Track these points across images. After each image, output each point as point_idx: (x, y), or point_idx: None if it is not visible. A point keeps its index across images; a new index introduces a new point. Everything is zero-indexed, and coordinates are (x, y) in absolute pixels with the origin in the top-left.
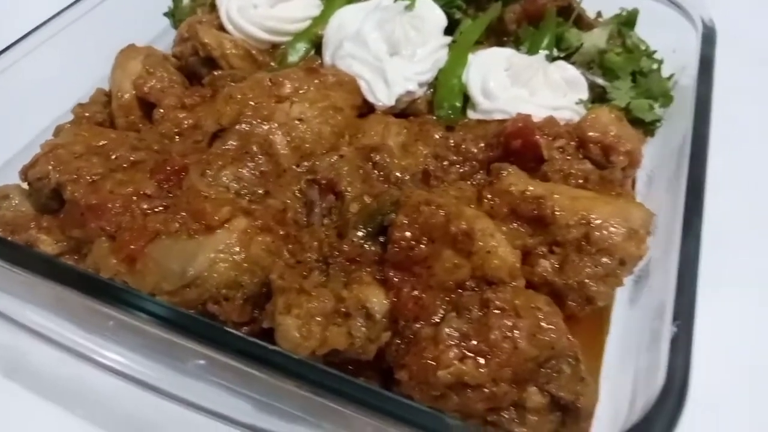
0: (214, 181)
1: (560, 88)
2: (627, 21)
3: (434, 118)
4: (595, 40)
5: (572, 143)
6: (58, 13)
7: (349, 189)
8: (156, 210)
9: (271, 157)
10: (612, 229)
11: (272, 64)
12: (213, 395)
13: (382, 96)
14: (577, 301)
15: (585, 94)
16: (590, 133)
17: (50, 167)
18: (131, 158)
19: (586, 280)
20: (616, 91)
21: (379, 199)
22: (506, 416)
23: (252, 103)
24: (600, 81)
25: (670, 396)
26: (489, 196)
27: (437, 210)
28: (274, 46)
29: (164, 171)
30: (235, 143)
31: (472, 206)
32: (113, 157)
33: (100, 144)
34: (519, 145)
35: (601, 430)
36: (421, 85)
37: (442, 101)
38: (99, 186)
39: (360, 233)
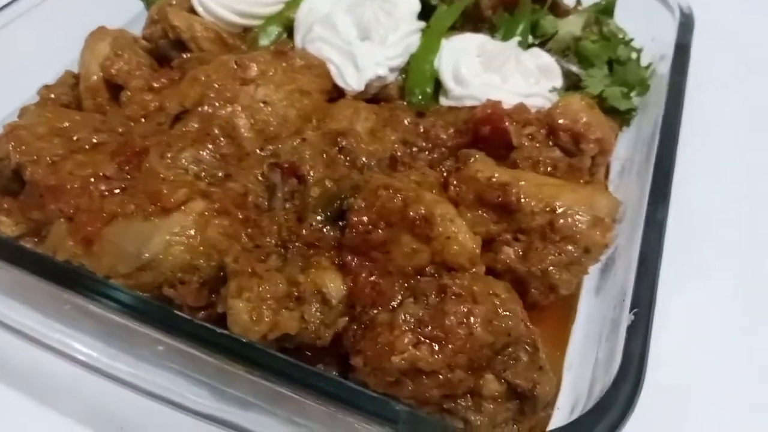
0: (173, 163)
1: (533, 75)
2: (605, 9)
3: (405, 104)
4: (570, 27)
5: (542, 130)
6: None
7: (311, 173)
8: (115, 192)
9: (233, 140)
10: (577, 216)
11: (243, 47)
12: (170, 382)
13: (352, 80)
14: (540, 289)
15: (559, 82)
16: (560, 121)
17: (11, 148)
18: (93, 140)
19: (550, 268)
20: (590, 79)
21: (339, 183)
22: (462, 404)
23: (216, 85)
24: (575, 69)
25: (624, 384)
26: (455, 182)
27: (395, 194)
28: (246, 29)
29: (125, 153)
30: (196, 125)
31: (435, 191)
32: (75, 138)
33: (64, 126)
34: (488, 131)
35: (561, 420)
36: (392, 70)
37: (414, 87)
38: (58, 167)
39: (319, 217)
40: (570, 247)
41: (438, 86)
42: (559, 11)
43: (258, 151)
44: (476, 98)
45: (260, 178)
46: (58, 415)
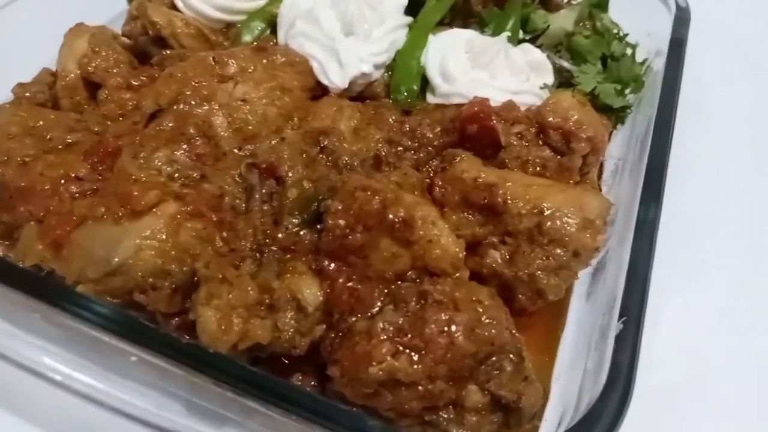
0: (145, 163)
1: (523, 71)
2: (598, 3)
3: (391, 101)
4: (562, 21)
5: (532, 129)
6: None
7: (290, 173)
8: (86, 193)
9: (209, 140)
10: (566, 219)
11: (225, 43)
12: (141, 396)
13: (336, 77)
14: (527, 295)
15: (550, 79)
16: (550, 119)
17: None
18: (67, 140)
19: (537, 273)
20: (583, 76)
21: (317, 185)
22: (444, 416)
23: (193, 82)
24: (567, 65)
25: (611, 397)
26: (440, 183)
27: (373, 196)
28: (229, 25)
29: (98, 153)
30: (171, 124)
31: (417, 193)
32: (48, 138)
33: (37, 125)
34: (475, 130)
35: None
36: (377, 66)
37: (399, 84)
38: (29, 168)
39: (295, 220)
40: (558, 251)
41: (425, 83)
42: (551, 5)
43: (236, 150)
44: (464, 95)
45: (237, 179)
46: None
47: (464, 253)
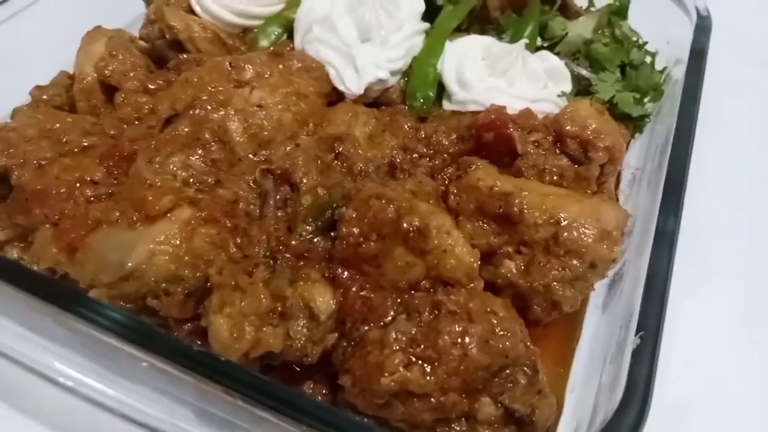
0: (160, 168)
1: (540, 78)
2: (618, 10)
3: (407, 108)
4: (580, 29)
5: (549, 137)
6: None
7: (304, 180)
8: (101, 197)
9: (225, 145)
10: (582, 229)
11: (242, 48)
12: (152, 402)
13: (351, 84)
14: (542, 306)
15: (568, 86)
16: (568, 127)
17: None
18: (83, 143)
19: (553, 284)
20: (601, 84)
21: (331, 192)
22: (456, 428)
23: (209, 87)
24: (585, 72)
25: (627, 414)
26: (455, 191)
27: (387, 204)
28: (246, 30)
29: (113, 157)
30: (186, 129)
31: (431, 201)
32: (64, 141)
33: (54, 128)
34: (491, 138)
35: None
36: (393, 73)
37: (415, 91)
38: (45, 171)
39: (309, 227)
40: (575, 262)
41: (441, 90)
42: (570, 12)
43: (251, 156)
44: (480, 103)
45: (252, 184)
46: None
47: (479, 263)
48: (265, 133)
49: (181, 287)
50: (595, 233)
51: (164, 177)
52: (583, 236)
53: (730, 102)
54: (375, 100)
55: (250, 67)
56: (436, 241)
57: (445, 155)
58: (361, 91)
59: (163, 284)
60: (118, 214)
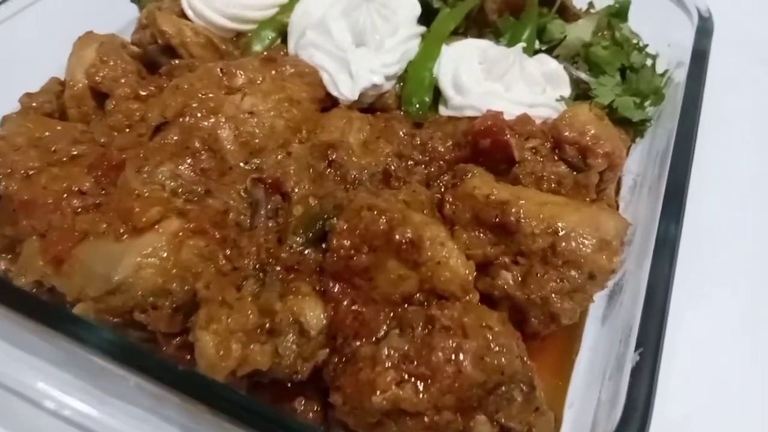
0: (149, 178)
1: (538, 83)
2: (618, 12)
3: (402, 113)
4: (579, 32)
5: (547, 144)
6: None
7: (296, 189)
8: (89, 208)
9: (215, 153)
10: (581, 239)
11: (236, 53)
12: (139, 422)
13: (346, 89)
14: (540, 318)
15: (567, 91)
16: (566, 133)
17: None
18: (72, 152)
19: (551, 296)
20: (601, 88)
21: (322, 202)
22: None
23: (200, 94)
24: (584, 76)
25: None
26: (451, 199)
27: (380, 215)
28: (239, 34)
29: (102, 166)
30: (176, 137)
31: (426, 211)
32: (53, 149)
33: (43, 136)
34: (488, 144)
35: None
36: (388, 78)
37: (411, 96)
38: (33, 181)
39: (299, 239)
40: (573, 273)
41: (437, 95)
42: (569, 15)
43: (242, 164)
44: (477, 108)
45: (243, 194)
46: None
47: (474, 275)
48: (257, 140)
49: (169, 301)
50: (594, 243)
51: (152, 187)
52: (581, 246)
53: (732, 101)
54: (370, 105)
55: (241, 73)
56: (429, 253)
57: (441, 162)
58: (356, 97)
59: (151, 298)
60: (105, 225)
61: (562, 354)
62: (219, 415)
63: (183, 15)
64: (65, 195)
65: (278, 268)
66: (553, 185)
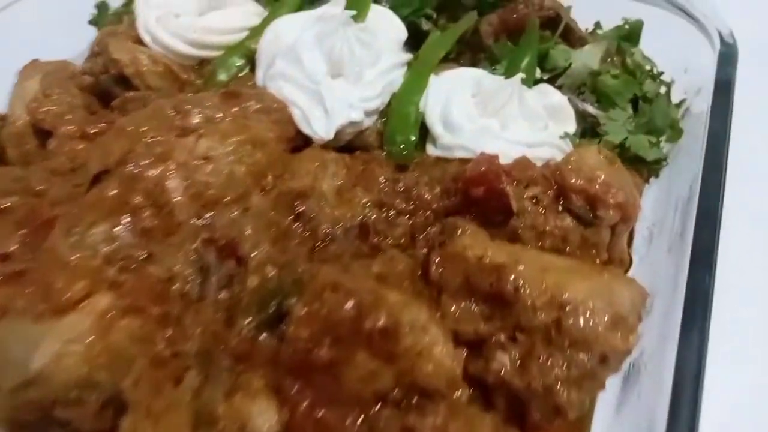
0: (80, 241)
1: (540, 118)
2: (629, 35)
3: (384, 153)
4: (585, 59)
5: (549, 192)
6: None
7: (253, 253)
8: (10, 277)
9: (161, 209)
10: (591, 314)
11: (198, 82)
12: None
13: (319, 127)
14: (542, 410)
15: (572, 126)
16: (572, 180)
17: None
18: (1, 204)
19: (556, 384)
20: (612, 124)
21: (282, 274)
22: None
23: (147, 138)
24: (592, 109)
25: None
26: (438, 260)
27: (346, 298)
28: (203, 61)
29: (31, 223)
30: (115, 190)
31: (405, 283)
32: None
33: None
34: (481, 193)
35: None
36: (368, 113)
37: (394, 134)
38: None
39: (252, 320)
40: (582, 356)
41: (425, 132)
42: (574, 39)
43: (194, 220)
44: (469, 149)
45: (192, 257)
46: None
47: (462, 367)
48: (211, 191)
49: (96, 395)
50: (607, 319)
51: (83, 253)
52: (591, 323)
53: (760, 128)
54: (348, 143)
55: (197, 110)
56: (409, 341)
57: (428, 212)
58: (331, 136)
59: (74, 391)
60: (23, 302)
61: None
62: None
63: (139, 41)
64: None
65: (225, 359)
66: (557, 242)
